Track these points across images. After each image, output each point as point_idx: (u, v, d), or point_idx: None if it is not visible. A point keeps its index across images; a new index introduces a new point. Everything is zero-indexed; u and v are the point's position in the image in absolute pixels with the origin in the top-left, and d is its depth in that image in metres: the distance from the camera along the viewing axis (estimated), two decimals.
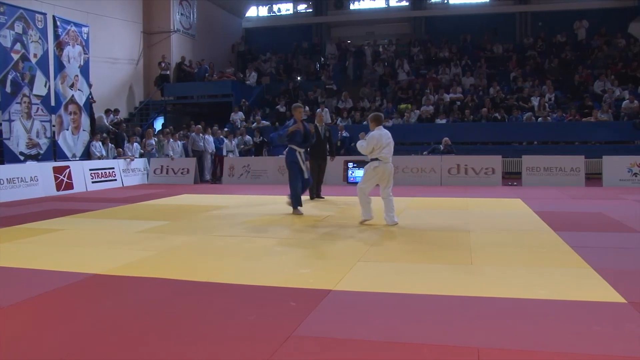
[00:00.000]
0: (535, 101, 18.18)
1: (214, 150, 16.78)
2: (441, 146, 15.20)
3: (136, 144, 16.39)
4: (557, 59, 21.02)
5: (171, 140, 16.55)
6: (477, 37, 24.20)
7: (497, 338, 3.30)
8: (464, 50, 23.54)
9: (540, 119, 17.16)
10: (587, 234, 6.80)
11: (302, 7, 29.10)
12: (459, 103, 18.87)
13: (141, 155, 16.39)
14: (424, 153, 15.59)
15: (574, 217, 8.34)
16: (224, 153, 16.78)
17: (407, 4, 27.44)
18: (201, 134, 16.67)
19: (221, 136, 17.15)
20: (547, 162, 13.93)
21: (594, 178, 14.15)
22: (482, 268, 5.06)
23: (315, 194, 11.04)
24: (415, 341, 3.28)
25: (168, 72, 21.93)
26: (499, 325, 3.52)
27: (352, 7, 28.21)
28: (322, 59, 25.46)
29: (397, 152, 16.05)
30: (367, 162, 7.82)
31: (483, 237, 6.61)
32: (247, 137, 17.52)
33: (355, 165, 14.57)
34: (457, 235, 6.81)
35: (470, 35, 24.34)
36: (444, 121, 17.97)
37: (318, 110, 16.80)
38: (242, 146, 17.32)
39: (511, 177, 14.97)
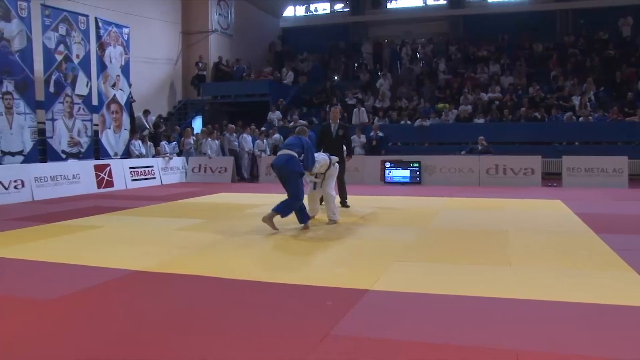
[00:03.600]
0: (576, 100, 17.76)
1: (252, 149, 16.91)
2: (479, 146, 14.99)
3: (173, 142, 16.61)
4: (599, 57, 20.49)
5: (209, 139, 16.75)
6: (516, 35, 23.76)
7: (537, 342, 3.24)
8: (503, 49, 23.16)
9: (581, 118, 16.76)
10: (631, 237, 6.59)
11: (339, 7, 29.11)
12: (497, 102, 18.58)
13: (178, 154, 16.61)
14: (462, 153, 15.41)
15: (617, 219, 8.12)
16: (257, 152, 16.88)
17: (445, 2, 27.16)
18: (234, 134, 16.84)
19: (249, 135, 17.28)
20: (588, 163, 13.59)
21: (638, 179, 13.77)
22: (521, 270, 4.96)
23: (340, 201, 9.44)
24: (453, 342, 3.25)
25: (205, 72, 22.20)
26: (538, 329, 3.45)
27: (389, 6, 28.06)
28: (360, 59, 25.32)
29: (434, 152, 16.25)
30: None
31: (521, 239, 6.49)
32: (277, 136, 17.55)
33: (392, 165, 14.46)
34: (495, 236, 6.71)
35: (509, 33, 23.92)
36: (482, 121, 17.72)
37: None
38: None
39: (551, 178, 14.67)
